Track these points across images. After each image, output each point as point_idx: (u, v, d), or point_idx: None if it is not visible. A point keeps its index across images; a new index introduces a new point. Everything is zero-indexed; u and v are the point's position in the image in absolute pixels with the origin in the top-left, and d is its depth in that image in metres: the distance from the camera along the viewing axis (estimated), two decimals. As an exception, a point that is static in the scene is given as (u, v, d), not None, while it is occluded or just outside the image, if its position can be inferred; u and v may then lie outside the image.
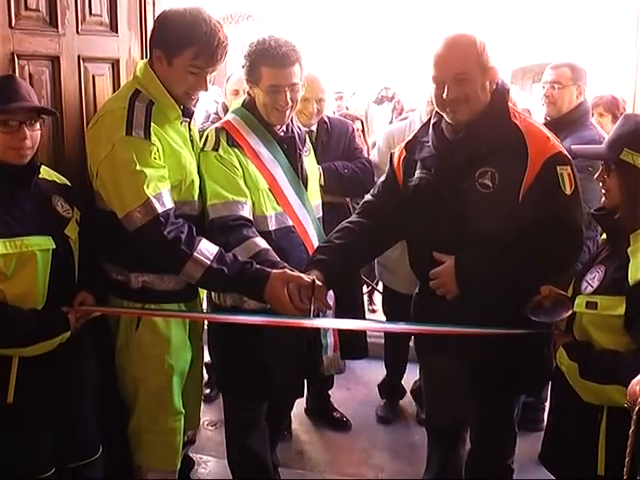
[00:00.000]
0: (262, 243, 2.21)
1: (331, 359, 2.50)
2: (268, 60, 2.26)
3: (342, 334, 2.53)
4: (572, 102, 3.22)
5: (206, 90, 2.20)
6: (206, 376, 3.27)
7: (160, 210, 2.05)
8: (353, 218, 2.37)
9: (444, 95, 2.06)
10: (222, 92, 3.75)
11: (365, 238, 2.29)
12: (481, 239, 2.05)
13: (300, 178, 2.44)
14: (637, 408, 1.37)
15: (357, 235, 2.29)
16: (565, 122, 3.16)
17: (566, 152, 2.13)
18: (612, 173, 1.85)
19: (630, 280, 1.74)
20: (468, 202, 2.08)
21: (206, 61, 2.11)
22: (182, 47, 2.09)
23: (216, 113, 3.47)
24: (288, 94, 2.29)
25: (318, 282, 2.09)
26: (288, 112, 2.35)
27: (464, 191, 2.10)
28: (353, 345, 2.67)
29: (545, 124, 3.06)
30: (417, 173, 2.23)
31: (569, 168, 2.07)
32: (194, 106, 2.30)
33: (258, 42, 2.30)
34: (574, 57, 3.93)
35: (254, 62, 2.29)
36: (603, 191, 1.91)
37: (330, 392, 3.58)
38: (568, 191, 2.05)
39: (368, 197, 2.41)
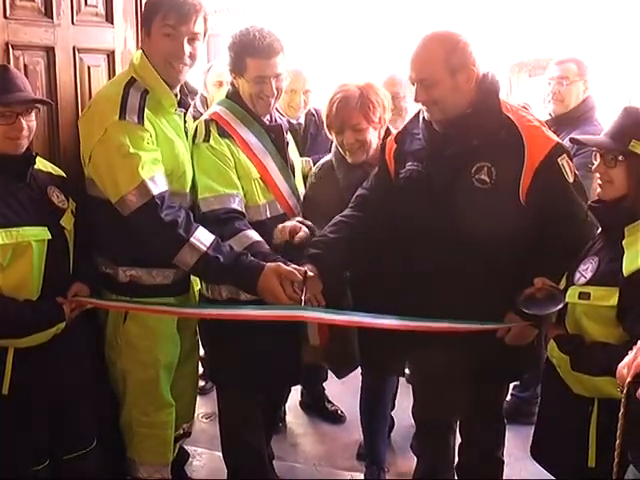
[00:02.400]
0: (254, 235, 2.21)
1: (312, 347, 2.45)
2: (253, 51, 2.26)
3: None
4: (579, 98, 3.16)
5: (182, 58, 2.12)
6: (201, 369, 3.27)
7: (155, 192, 2.04)
8: (347, 212, 2.36)
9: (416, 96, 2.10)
10: (201, 84, 3.56)
11: (360, 231, 2.28)
12: (480, 235, 2.03)
13: (288, 166, 2.44)
14: (625, 389, 1.36)
15: (351, 229, 2.28)
16: (570, 118, 3.11)
17: (560, 141, 2.14)
18: (619, 164, 1.86)
19: (624, 272, 1.75)
20: (466, 199, 2.07)
21: (176, 19, 2.09)
22: (153, 14, 2.12)
23: (194, 106, 3.38)
24: (274, 84, 2.30)
25: (310, 273, 2.10)
26: (273, 101, 2.36)
27: (461, 188, 2.09)
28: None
29: (549, 120, 3.04)
30: (408, 165, 2.23)
31: (566, 156, 2.08)
32: (185, 94, 2.30)
33: (241, 33, 2.30)
34: (569, 51, 3.91)
35: (239, 53, 2.29)
36: (599, 182, 1.90)
37: (324, 385, 3.58)
38: (571, 179, 2.08)
39: (361, 190, 2.40)
